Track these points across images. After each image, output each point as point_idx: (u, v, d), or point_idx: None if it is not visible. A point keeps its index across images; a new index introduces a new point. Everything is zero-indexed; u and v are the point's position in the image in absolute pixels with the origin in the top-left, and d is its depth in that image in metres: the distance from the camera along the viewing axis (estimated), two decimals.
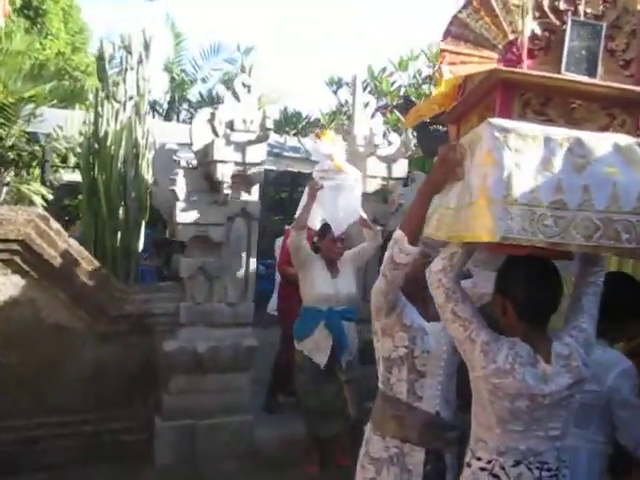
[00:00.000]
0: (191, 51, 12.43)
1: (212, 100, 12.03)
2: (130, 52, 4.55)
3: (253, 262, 4.31)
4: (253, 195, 4.26)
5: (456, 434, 2.13)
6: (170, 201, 4.07)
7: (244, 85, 4.26)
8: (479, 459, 1.72)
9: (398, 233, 1.89)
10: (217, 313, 4.16)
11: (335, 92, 7.19)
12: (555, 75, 1.57)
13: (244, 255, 4.26)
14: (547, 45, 1.59)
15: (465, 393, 2.13)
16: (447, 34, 1.58)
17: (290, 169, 8.92)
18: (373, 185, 4.71)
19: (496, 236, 1.45)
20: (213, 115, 4.08)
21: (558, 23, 1.59)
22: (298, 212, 3.93)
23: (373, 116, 4.86)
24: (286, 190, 11.86)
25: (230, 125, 4.12)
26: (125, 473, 3.80)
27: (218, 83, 11.87)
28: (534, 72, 1.56)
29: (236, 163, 4.08)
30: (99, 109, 4.51)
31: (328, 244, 3.89)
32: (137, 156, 4.60)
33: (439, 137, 3.73)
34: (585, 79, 1.60)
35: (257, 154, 4.14)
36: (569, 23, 1.58)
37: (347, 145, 4.91)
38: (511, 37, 1.58)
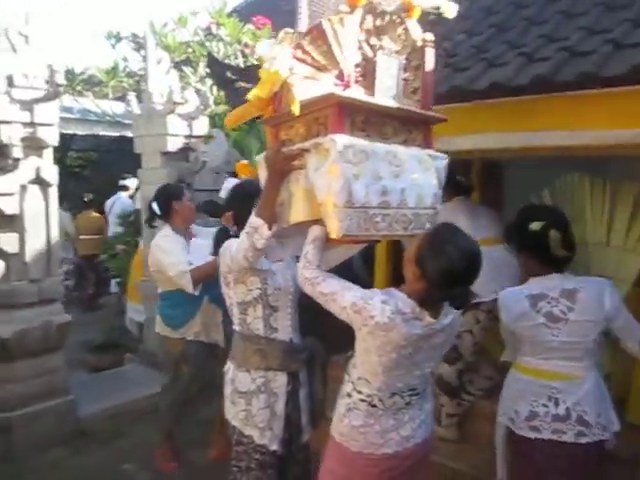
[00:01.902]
0: None
1: None
2: None
3: (55, 233, 3.94)
4: (46, 159, 3.86)
5: (306, 355, 2.41)
6: None
7: (21, 34, 3.77)
8: (360, 392, 1.91)
9: (257, 221, 2.01)
10: (19, 293, 3.75)
11: (114, 46, 6.67)
12: (373, 100, 1.85)
13: (43, 226, 3.86)
14: (365, 73, 1.85)
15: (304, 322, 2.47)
16: (294, 58, 1.76)
17: (63, 131, 8.08)
18: (175, 144, 4.63)
19: (339, 235, 1.77)
20: None
21: (372, 55, 1.86)
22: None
23: (168, 72, 4.73)
24: (55, 156, 10.69)
25: (10, 80, 3.63)
26: None
27: None
28: (360, 97, 1.83)
29: (24, 124, 3.64)
30: None
31: (188, 206, 3.46)
32: None
33: (246, 93, 3.82)
34: (391, 102, 1.91)
35: (48, 113, 3.73)
36: (379, 56, 1.87)
37: (143, 103, 4.73)
38: (342, 65, 1.82)
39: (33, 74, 3.71)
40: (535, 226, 2.20)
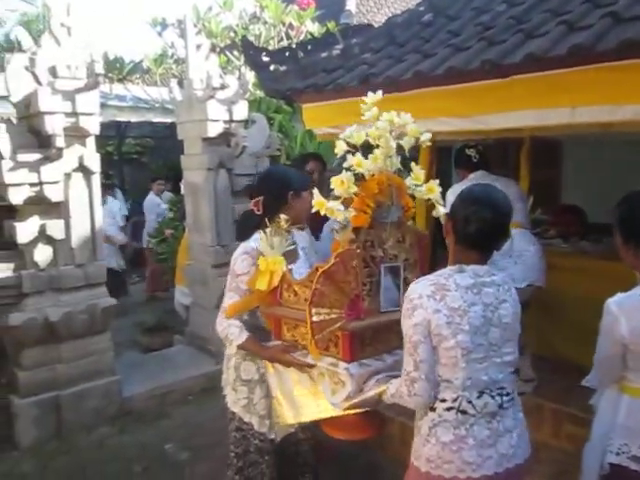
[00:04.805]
0: None
1: (11, 45, 10.60)
2: None
3: (99, 219, 4.06)
4: (89, 148, 3.96)
5: None
6: None
7: (63, 26, 3.87)
8: (444, 400, 1.75)
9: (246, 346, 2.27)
10: (65, 277, 3.89)
11: (160, 34, 6.78)
12: (376, 320, 1.99)
13: (87, 213, 3.99)
14: (370, 288, 1.98)
15: None
16: (311, 304, 1.90)
17: (117, 119, 8.36)
18: (215, 129, 4.63)
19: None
20: (33, 61, 3.65)
21: (376, 269, 1.99)
22: None
23: (207, 58, 4.73)
24: (112, 143, 11.08)
25: (53, 72, 3.74)
26: None
27: (17, 25, 10.47)
28: (368, 322, 1.96)
29: (66, 114, 3.74)
30: None
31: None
32: None
33: (280, 77, 3.78)
34: (396, 314, 1.93)
35: (89, 103, 3.82)
36: (382, 269, 1.99)
37: (184, 90, 4.77)
38: (352, 296, 1.95)
39: (75, 65, 3.80)
40: None
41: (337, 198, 1.92)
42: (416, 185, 2.04)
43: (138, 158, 12.20)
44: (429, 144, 2.09)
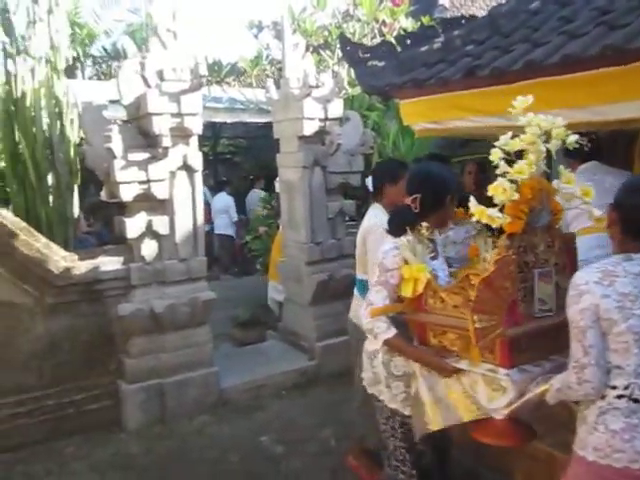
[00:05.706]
0: (89, 2, 11.48)
1: (118, 54, 11.32)
2: (36, 1, 4.15)
3: (200, 216, 4.22)
4: (192, 147, 4.12)
5: None
6: (106, 160, 3.86)
7: (169, 31, 4.05)
8: (614, 387, 1.70)
9: (384, 339, 2.28)
10: (169, 271, 4.08)
11: (256, 36, 6.97)
12: (532, 325, 2.01)
13: (190, 209, 4.15)
14: (525, 294, 2.01)
15: None
16: (473, 310, 1.92)
17: (213, 120, 8.63)
18: (311, 127, 4.67)
19: None
20: (142, 65, 3.85)
21: (529, 274, 2.02)
22: None
23: (303, 57, 4.78)
24: (208, 144, 11.51)
25: (160, 75, 3.92)
26: (97, 441, 3.76)
27: (122, 35, 11.17)
28: (525, 328, 2.00)
29: (172, 115, 3.91)
30: (9, 67, 4.13)
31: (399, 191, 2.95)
32: (60, 116, 4.28)
33: (378, 72, 3.74)
34: (549, 317, 2.02)
35: (193, 104, 3.98)
36: (535, 274, 2.03)
37: (280, 89, 4.84)
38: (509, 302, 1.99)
39: (180, 67, 3.97)
40: None
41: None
42: (566, 189, 2.03)
43: (231, 158, 12.60)
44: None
